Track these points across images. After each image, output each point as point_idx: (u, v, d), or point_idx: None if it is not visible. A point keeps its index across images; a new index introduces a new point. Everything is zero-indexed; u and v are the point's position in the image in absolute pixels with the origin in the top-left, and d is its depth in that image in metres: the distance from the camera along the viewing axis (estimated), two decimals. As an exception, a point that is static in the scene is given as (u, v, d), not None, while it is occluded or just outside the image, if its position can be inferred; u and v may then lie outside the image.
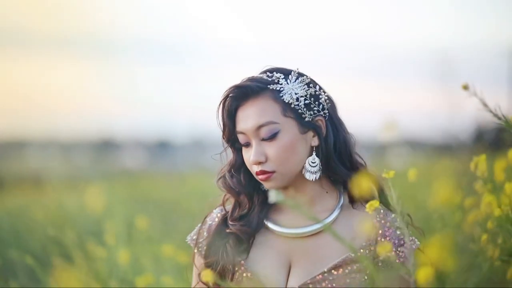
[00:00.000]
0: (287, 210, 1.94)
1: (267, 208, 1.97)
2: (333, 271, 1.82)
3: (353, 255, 1.82)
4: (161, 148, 27.69)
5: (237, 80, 1.94)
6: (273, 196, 1.64)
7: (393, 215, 1.86)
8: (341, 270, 1.82)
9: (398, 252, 1.83)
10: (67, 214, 7.05)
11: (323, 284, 1.82)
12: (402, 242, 1.82)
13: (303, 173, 1.91)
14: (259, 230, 1.95)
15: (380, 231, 1.85)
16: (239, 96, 1.91)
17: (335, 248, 1.85)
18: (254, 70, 1.97)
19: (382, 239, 1.85)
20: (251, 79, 1.92)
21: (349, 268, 1.83)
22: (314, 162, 1.91)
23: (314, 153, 1.91)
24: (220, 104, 1.93)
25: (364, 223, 1.76)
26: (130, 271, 3.78)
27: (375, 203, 1.78)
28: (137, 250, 4.13)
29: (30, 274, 4.52)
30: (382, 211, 1.87)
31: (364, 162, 1.97)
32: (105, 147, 27.36)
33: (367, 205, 1.80)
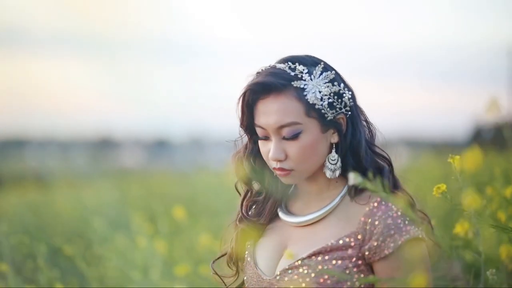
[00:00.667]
0: (298, 198, 1.95)
1: (283, 195, 1.97)
2: (313, 257, 1.81)
3: (334, 242, 1.81)
4: (160, 146, 27.72)
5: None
6: (352, 179, 1.67)
7: (391, 205, 1.81)
8: (320, 256, 1.81)
9: (385, 242, 1.78)
10: (84, 209, 7.12)
11: (300, 270, 1.81)
12: (392, 232, 1.78)
13: (323, 170, 1.90)
14: (271, 220, 1.96)
15: (370, 220, 1.81)
16: (261, 91, 1.86)
17: (326, 235, 1.84)
18: (253, 70, 1.92)
19: (372, 228, 1.80)
20: (274, 74, 1.86)
21: (329, 255, 1.81)
22: (334, 159, 1.89)
23: (333, 150, 1.89)
24: (240, 97, 1.88)
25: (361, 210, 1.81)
26: (168, 261, 3.88)
27: (442, 186, 1.80)
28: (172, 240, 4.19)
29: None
30: (379, 200, 1.83)
31: (388, 156, 1.94)
32: (104, 146, 27.35)
33: (435, 188, 1.83)
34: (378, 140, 1.98)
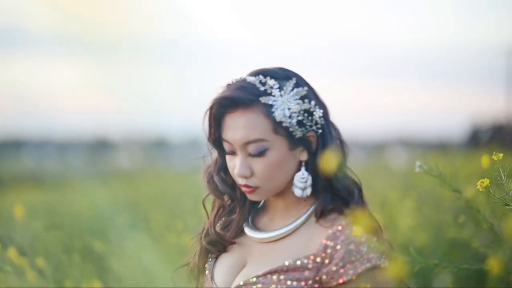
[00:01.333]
0: (265, 213, 1.90)
1: (251, 210, 1.92)
2: (268, 275, 1.75)
3: (291, 262, 1.75)
4: (157, 147, 27.71)
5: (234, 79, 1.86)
6: (418, 167, 1.72)
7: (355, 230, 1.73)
8: (275, 275, 1.75)
9: (344, 268, 1.72)
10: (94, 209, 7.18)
11: (254, 286, 1.76)
12: (353, 258, 1.72)
13: (292, 189, 1.83)
14: (236, 234, 1.91)
15: (332, 243, 1.74)
16: (228, 105, 1.80)
17: (285, 254, 1.78)
18: (249, 70, 1.86)
19: (333, 252, 1.73)
20: (242, 88, 1.80)
21: (285, 275, 1.74)
22: (304, 178, 1.82)
23: (303, 168, 1.83)
24: (207, 110, 1.83)
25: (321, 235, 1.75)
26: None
27: (486, 181, 1.76)
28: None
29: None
30: (343, 224, 1.76)
31: (358, 180, 1.88)
32: (101, 147, 27.35)
33: (479, 183, 1.78)
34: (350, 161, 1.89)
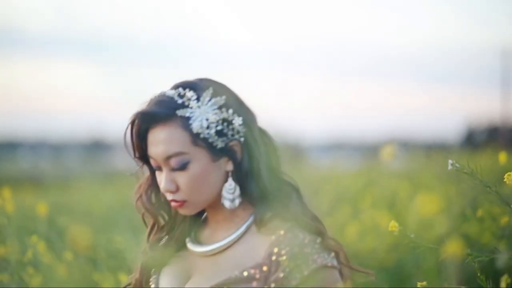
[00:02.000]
0: (207, 226, 1.88)
1: (194, 224, 1.90)
2: None
3: (238, 274, 1.73)
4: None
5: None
6: (450, 165, 1.85)
7: (298, 233, 1.74)
8: None
9: (291, 273, 1.71)
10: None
11: None
12: (298, 262, 1.71)
13: (221, 201, 1.81)
14: (179, 248, 1.89)
15: (276, 250, 1.73)
16: (147, 120, 1.79)
17: (230, 267, 1.76)
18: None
19: (278, 258, 1.72)
20: (160, 103, 1.80)
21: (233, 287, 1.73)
22: (231, 189, 1.81)
23: (230, 179, 1.81)
24: (127, 127, 1.82)
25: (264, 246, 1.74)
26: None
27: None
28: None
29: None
30: (286, 229, 1.76)
31: (295, 182, 1.87)
32: (96, 148, 27.35)
33: (506, 176, 1.84)
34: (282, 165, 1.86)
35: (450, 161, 1.82)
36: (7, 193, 3.15)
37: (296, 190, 1.86)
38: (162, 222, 1.89)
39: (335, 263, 1.74)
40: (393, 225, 1.88)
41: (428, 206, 1.60)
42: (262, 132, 1.87)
